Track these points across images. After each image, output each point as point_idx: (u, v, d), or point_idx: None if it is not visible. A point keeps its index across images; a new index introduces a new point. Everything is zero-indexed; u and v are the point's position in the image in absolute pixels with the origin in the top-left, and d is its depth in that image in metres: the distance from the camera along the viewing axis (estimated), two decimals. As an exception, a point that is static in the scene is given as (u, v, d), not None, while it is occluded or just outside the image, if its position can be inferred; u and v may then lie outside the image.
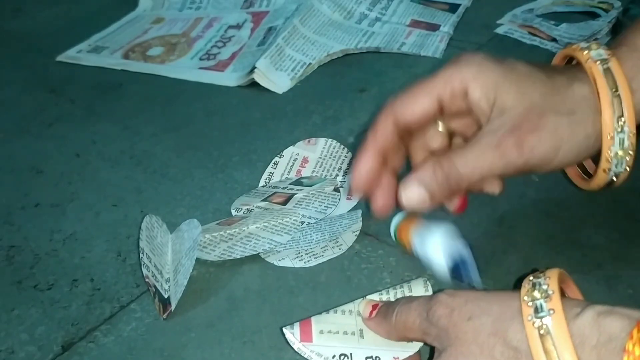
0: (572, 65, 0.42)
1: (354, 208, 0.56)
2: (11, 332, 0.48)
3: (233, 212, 0.57)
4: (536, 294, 0.32)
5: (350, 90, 0.74)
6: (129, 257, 0.54)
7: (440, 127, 0.43)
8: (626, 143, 0.39)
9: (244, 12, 0.91)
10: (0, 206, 0.61)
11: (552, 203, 0.55)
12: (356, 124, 0.67)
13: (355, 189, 0.43)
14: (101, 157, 0.67)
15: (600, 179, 0.42)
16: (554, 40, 0.77)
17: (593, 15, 0.80)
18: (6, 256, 0.55)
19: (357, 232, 0.53)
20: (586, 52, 0.40)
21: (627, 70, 0.40)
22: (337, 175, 0.60)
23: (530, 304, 0.32)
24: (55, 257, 0.55)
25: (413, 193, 0.40)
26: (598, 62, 0.39)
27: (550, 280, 0.33)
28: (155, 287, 0.49)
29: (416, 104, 0.41)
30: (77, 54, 0.87)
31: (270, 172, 0.61)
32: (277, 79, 0.75)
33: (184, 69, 0.81)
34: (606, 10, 0.80)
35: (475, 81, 0.39)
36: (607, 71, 0.39)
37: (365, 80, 0.75)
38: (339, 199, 0.57)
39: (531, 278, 0.34)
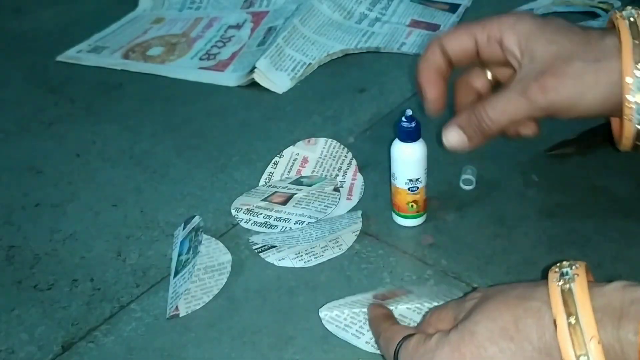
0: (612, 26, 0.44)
1: (354, 208, 0.56)
2: (11, 332, 0.48)
3: (233, 212, 0.57)
4: (564, 263, 0.35)
5: (350, 90, 0.74)
6: (129, 257, 0.54)
7: (488, 74, 0.48)
8: None
9: (244, 12, 0.91)
10: (0, 206, 0.61)
11: (552, 203, 0.55)
12: (356, 124, 0.67)
13: (435, 110, 0.48)
14: (101, 157, 0.67)
15: (627, 130, 0.42)
16: (554, 40, 0.77)
17: (593, 15, 0.80)
18: (6, 256, 0.55)
19: (357, 232, 0.53)
20: (620, 12, 0.43)
21: None
22: (337, 175, 0.60)
23: (556, 270, 0.34)
24: (55, 257, 0.55)
25: (453, 136, 0.45)
26: (625, 18, 0.42)
27: (578, 262, 0.35)
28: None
29: (456, 40, 0.46)
30: (77, 54, 0.87)
31: (270, 172, 0.61)
32: (277, 79, 0.75)
33: (184, 69, 0.81)
34: (606, 10, 0.79)
35: (510, 30, 0.43)
36: (633, 24, 0.41)
37: (365, 80, 0.75)
38: (339, 199, 0.57)
39: (559, 264, 0.36)
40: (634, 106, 0.41)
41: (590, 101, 0.42)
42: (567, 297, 0.32)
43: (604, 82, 0.41)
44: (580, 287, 0.33)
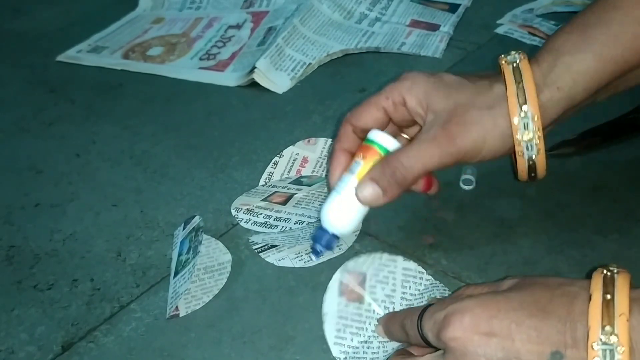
0: (497, 72, 0.48)
1: (354, 208, 0.56)
2: (11, 332, 0.48)
3: (233, 212, 0.57)
4: (611, 264, 0.36)
5: (350, 90, 0.74)
6: (129, 257, 0.54)
7: (404, 135, 0.52)
8: (531, 126, 0.45)
9: (244, 12, 0.91)
10: (0, 206, 0.61)
11: (552, 203, 0.55)
12: (356, 124, 0.67)
13: (333, 185, 0.50)
14: (101, 157, 0.67)
15: (520, 164, 0.47)
16: (554, 40, 0.77)
17: (593, 15, 0.80)
18: (6, 256, 0.56)
19: (357, 232, 0.53)
20: (505, 57, 0.47)
21: (542, 68, 0.46)
22: (337, 175, 0.60)
23: (602, 267, 0.36)
24: (55, 257, 0.55)
25: (367, 190, 0.46)
26: (510, 64, 0.47)
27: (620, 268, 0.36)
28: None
29: (368, 115, 0.49)
30: (77, 54, 0.87)
31: (270, 172, 0.61)
32: (277, 79, 0.75)
33: (184, 69, 0.81)
34: (606, 10, 0.79)
35: (409, 93, 0.48)
36: (516, 69, 0.46)
37: (365, 80, 0.75)
38: (339, 199, 0.57)
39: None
40: (522, 143, 0.46)
41: (491, 143, 0.46)
42: (608, 281, 0.34)
43: (500, 126, 0.46)
44: (622, 278, 0.35)
